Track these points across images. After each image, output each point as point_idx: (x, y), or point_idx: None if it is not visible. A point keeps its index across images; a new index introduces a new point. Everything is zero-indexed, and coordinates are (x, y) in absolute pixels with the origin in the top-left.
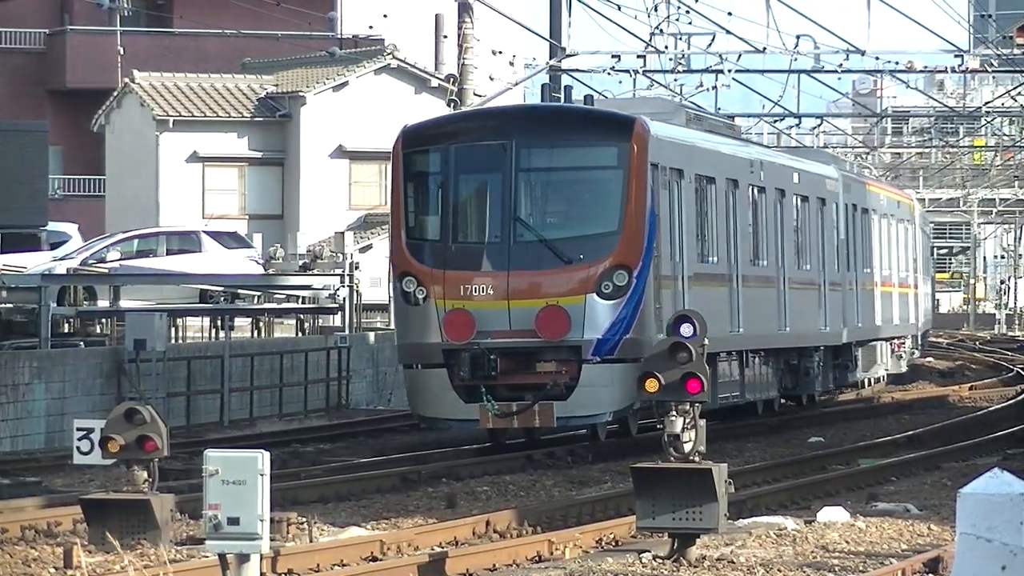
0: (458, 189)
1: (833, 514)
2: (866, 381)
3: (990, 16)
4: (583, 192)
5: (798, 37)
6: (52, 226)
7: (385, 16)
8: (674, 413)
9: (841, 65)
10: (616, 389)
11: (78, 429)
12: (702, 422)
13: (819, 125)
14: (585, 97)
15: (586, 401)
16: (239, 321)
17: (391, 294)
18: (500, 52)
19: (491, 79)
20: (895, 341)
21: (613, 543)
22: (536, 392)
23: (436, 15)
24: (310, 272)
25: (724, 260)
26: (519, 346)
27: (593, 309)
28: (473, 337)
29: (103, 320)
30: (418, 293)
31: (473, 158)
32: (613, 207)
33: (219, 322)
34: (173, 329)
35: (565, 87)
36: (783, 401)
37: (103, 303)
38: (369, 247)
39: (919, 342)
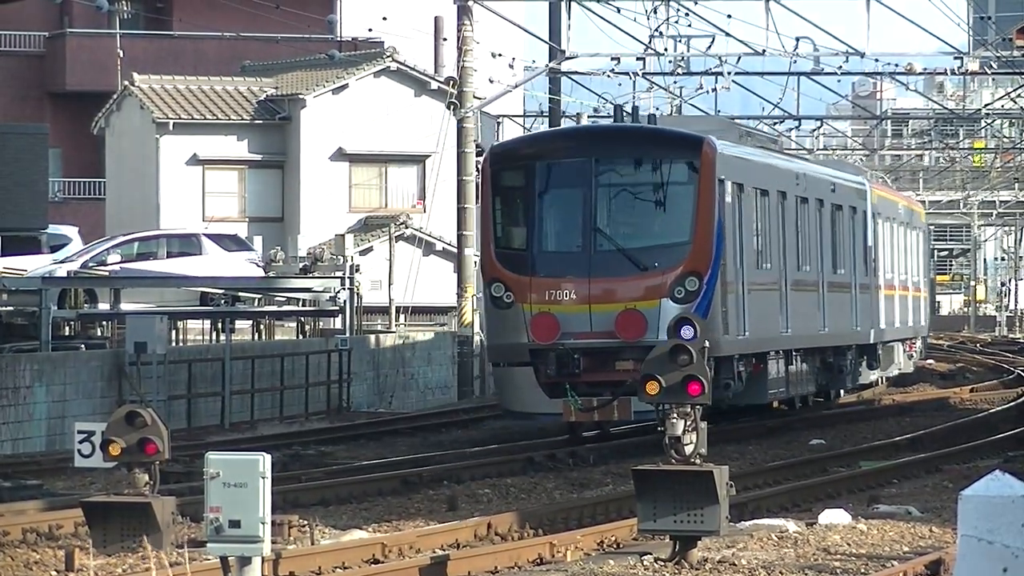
0: (543, 203)
1: (834, 516)
2: (880, 379)
3: (989, 18)
4: (657, 205)
5: (797, 39)
6: (52, 229)
7: (384, 19)
8: (675, 415)
9: (841, 67)
10: None
11: (79, 432)
12: (703, 424)
13: (819, 127)
14: (648, 116)
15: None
16: (240, 324)
17: (482, 298)
18: (500, 55)
19: (491, 81)
20: (907, 342)
21: (614, 545)
22: (615, 388)
23: (435, 18)
24: (310, 275)
25: (776, 266)
26: (600, 346)
27: (667, 312)
28: (558, 338)
29: (104, 323)
30: (506, 298)
31: (556, 174)
32: (685, 219)
33: (220, 325)
34: (174, 332)
35: (633, 107)
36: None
37: (104, 306)
38: (369, 249)
39: (924, 343)
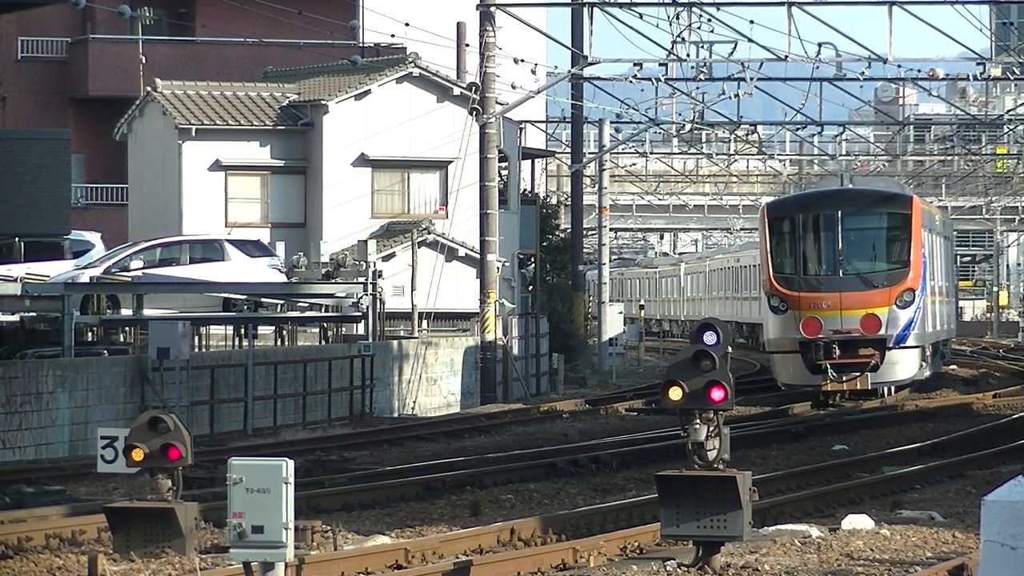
0: (805, 241)
1: (858, 522)
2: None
3: (1012, 24)
4: (884, 242)
5: (820, 45)
6: (75, 234)
7: (407, 25)
8: (698, 421)
9: (863, 73)
10: (906, 366)
11: (102, 437)
12: (726, 430)
13: (841, 133)
14: (851, 179)
15: (887, 373)
16: (262, 329)
17: (765, 305)
18: (522, 60)
19: (513, 87)
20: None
21: (638, 551)
22: (859, 367)
23: (458, 24)
24: (333, 280)
25: (938, 283)
26: (849, 339)
27: (894, 315)
28: (820, 334)
29: (126, 328)
30: (782, 307)
31: (815, 222)
32: (903, 251)
33: (242, 330)
34: (196, 337)
35: (841, 174)
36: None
37: (126, 312)
38: (392, 255)
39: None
